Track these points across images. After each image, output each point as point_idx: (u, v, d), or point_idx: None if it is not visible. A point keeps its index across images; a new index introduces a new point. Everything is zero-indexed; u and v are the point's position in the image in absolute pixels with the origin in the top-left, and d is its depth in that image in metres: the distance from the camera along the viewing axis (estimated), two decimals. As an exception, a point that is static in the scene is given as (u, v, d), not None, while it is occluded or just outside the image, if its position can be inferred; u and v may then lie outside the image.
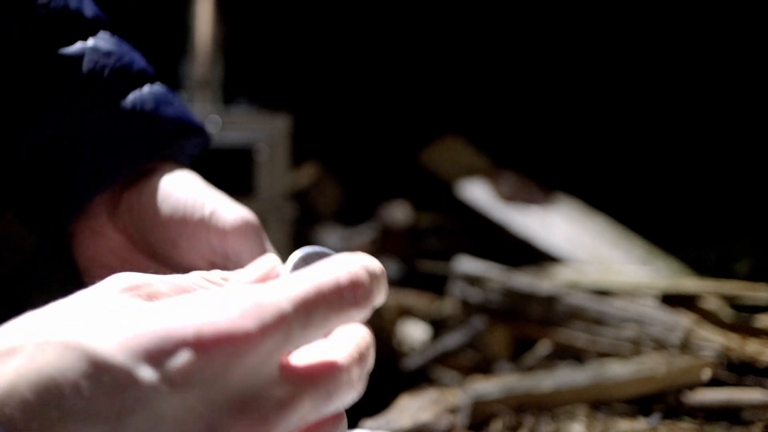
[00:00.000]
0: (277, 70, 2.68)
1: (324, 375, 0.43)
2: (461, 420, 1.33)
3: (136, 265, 0.71)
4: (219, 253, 0.68)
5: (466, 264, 1.68)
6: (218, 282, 0.50)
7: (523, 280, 1.63)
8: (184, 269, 0.68)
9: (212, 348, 0.38)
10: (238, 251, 0.67)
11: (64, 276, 0.74)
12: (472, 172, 2.29)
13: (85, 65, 0.70)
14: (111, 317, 0.40)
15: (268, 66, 2.65)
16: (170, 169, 0.71)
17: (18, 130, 0.69)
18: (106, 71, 0.70)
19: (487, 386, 1.39)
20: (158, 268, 0.71)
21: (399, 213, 2.18)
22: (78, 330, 0.39)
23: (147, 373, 0.37)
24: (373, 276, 0.46)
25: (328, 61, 2.69)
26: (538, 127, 2.60)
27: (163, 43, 0.73)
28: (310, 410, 0.42)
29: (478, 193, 2.23)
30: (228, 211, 0.67)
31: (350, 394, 0.44)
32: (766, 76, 2.40)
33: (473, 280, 1.64)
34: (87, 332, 0.39)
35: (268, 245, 0.68)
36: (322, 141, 2.51)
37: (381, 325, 1.59)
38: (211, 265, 0.68)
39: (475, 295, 1.63)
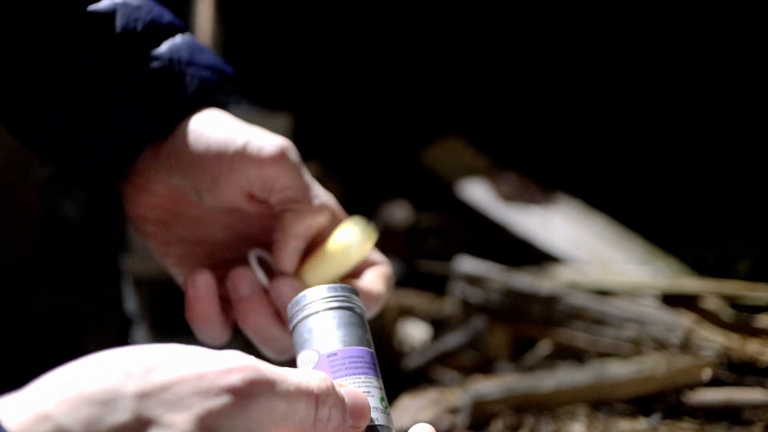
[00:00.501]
0: (278, 70, 2.68)
1: None
2: (462, 420, 1.33)
3: (184, 218, 0.72)
4: (256, 184, 0.69)
5: (467, 264, 1.68)
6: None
7: (524, 280, 1.63)
8: (226, 207, 0.71)
9: None
10: (275, 178, 0.68)
11: (71, 270, 0.74)
12: (472, 172, 2.29)
13: (119, 20, 0.70)
14: None
15: (269, 66, 2.65)
16: (199, 113, 0.71)
17: (56, 92, 0.69)
18: (139, 25, 0.70)
19: (487, 386, 1.39)
20: (201, 221, 0.72)
21: (399, 213, 2.18)
22: None
23: None
24: None
25: (329, 62, 2.69)
26: (538, 127, 2.60)
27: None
28: None
29: (478, 193, 2.22)
30: (263, 140, 0.69)
31: None
32: (766, 75, 2.40)
33: (473, 280, 1.64)
34: None
35: (304, 171, 0.70)
36: (323, 141, 2.51)
37: (381, 325, 1.59)
38: (249, 197, 0.70)
39: (475, 295, 1.63)
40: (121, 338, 1.05)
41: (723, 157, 2.41)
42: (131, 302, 1.53)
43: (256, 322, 0.70)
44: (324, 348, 0.58)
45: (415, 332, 1.77)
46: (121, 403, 0.43)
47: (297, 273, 0.71)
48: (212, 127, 0.70)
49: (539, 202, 2.16)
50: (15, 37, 0.67)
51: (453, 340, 1.64)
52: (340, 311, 0.60)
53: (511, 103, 2.63)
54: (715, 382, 1.37)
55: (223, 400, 0.45)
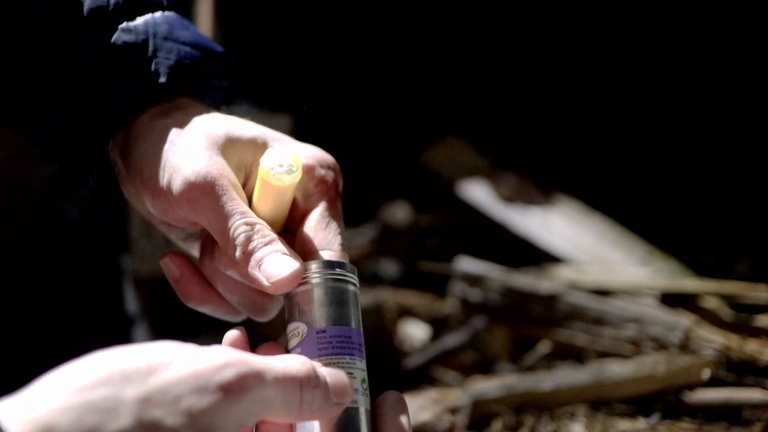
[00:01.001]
0: (277, 71, 2.68)
1: None
2: (461, 419, 1.33)
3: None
4: (175, 218, 0.66)
5: (467, 264, 1.68)
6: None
7: (524, 279, 1.63)
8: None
9: None
10: (189, 216, 0.65)
11: (71, 270, 0.74)
12: (472, 172, 2.29)
13: (87, 3, 0.67)
14: None
15: (269, 66, 2.65)
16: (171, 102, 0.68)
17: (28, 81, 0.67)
18: (111, 3, 0.68)
19: (487, 386, 1.40)
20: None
21: (399, 213, 2.18)
22: None
23: None
24: None
25: (328, 62, 2.69)
26: (538, 127, 2.60)
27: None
28: None
29: (478, 193, 2.23)
30: (179, 175, 0.64)
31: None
32: (766, 75, 2.40)
33: (473, 280, 1.64)
34: None
35: (226, 199, 0.64)
36: (322, 141, 2.50)
37: (381, 325, 1.59)
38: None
39: (475, 294, 1.63)
40: (121, 338, 1.05)
41: (723, 156, 2.41)
42: (131, 302, 1.53)
43: (200, 299, 0.69)
44: (314, 323, 0.59)
45: (415, 332, 1.77)
46: (123, 408, 0.44)
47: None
48: (147, 144, 0.67)
49: (539, 203, 2.16)
50: (14, 34, 0.66)
51: (453, 340, 1.64)
52: (336, 288, 0.61)
53: (511, 103, 2.63)
54: (715, 382, 1.37)
55: (218, 396, 0.47)
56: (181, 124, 0.66)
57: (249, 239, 0.62)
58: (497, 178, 2.24)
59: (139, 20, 0.68)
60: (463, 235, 2.16)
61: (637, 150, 2.50)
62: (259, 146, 0.68)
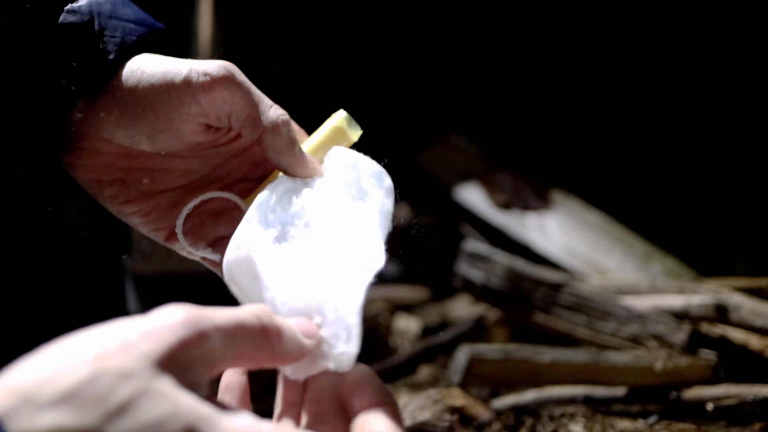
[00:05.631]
0: (277, 71, 2.68)
1: None
2: (455, 378, 1.33)
3: (141, 172, 0.70)
4: (209, 110, 0.67)
5: (473, 245, 1.69)
6: (272, 336, 0.51)
7: (529, 266, 1.63)
8: (182, 148, 0.69)
9: None
10: (226, 98, 0.67)
11: (62, 274, 0.74)
12: (469, 174, 2.29)
13: None
14: None
15: (268, 67, 2.66)
16: (131, 60, 0.69)
17: None
18: None
19: (486, 347, 1.41)
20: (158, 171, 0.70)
21: (398, 213, 2.18)
22: None
23: None
24: None
25: (328, 62, 2.70)
26: (537, 126, 2.60)
27: (163, 44, 0.71)
28: None
29: (475, 197, 2.23)
30: (205, 65, 0.67)
31: None
32: (767, 75, 2.40)
33: (478, 260, 1.64)
34: None
35: (252, 87, 0.68)
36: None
37: (377, 323, 1.60)
38: (206, 128, 0.68)
39: (479, 276, 1.63)
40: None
41: (723, 156, 2.41)
42: (132, 302, 1.54)
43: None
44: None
45: (409, 327, 1.78)
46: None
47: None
48: (150, 66, 0.68)
49: (535, 207, 2.17)
50: None
51: (448, 334, 1.65)
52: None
53: (511, 103, 2.63)
54: (715, 381, 1.37)
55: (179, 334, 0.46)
56: (158, 57, 0.69)
57: (287, 120, 0.68)
58: (493, 184, 2.24)
59: (83, 1, 0.69)
60: (460, 238, 2.17)
61: (637, 150, 2.50)
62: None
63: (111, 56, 0.68)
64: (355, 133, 0.74)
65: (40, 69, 0.67)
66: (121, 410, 0.42)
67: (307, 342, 0.54)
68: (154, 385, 0.44)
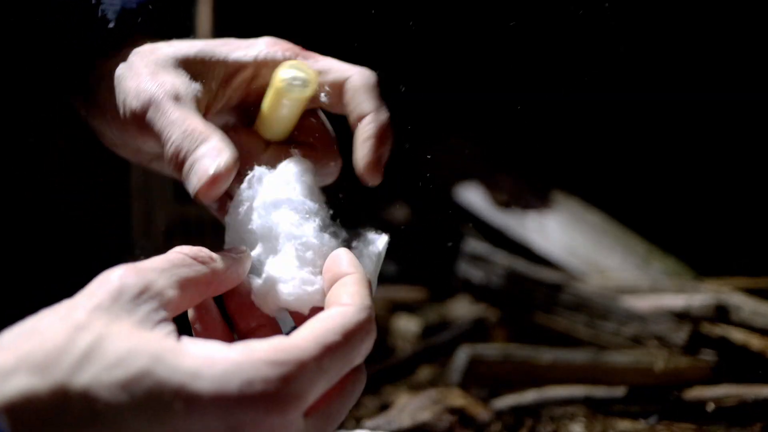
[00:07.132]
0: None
1: None
2: (455, 378, 1.33)
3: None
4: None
5: (473, 245, 1.68)
6: (205, 259, 0.55)
7: (529, 266, 1.63)
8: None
9: None
10: (144, 138, 0.67)
11: (64, 268, 0.74)
12: (470, 175, 2.29)
13: None
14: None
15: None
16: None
17: None
18: None
19: (486, 347, 1.41)
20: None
21: (398, 214, 2.18)
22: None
23: None
24: None
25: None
26: (538, 126, 2.60)
27: (163, 15, 0.71)
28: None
29: (475, 197, 2.23)
30: (127, 106, 0.67)
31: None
32: (766, 75, 2.40)
33: (478, 260, 1.64)
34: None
35: (160, 116, 0.66)
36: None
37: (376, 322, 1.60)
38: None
39: (479, 276, 1.63)
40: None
41: (723, 156, 2.41)
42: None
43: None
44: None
45: (408, 327, 1.78)
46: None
47: (255, 128, 0.70)
48: (107, 85, 0.69)
49: (535, 207, 2.16)
50: None
51: (447, 334, 1.65)
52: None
53: (511, 103, 2.63)
54: (716, 381, 1.37)
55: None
56: (132, 59, 0.68)
57: (179, 147, 0.63)
58: (493, 184, 2.24)
59: None
60: (461, 237, 2.16)
61: (637, 149, 2.50)
62: (207, 58, 0.69)
63: (111, 24, 0.69)
64: (303, 91, 0.70)
65: (47, 41, 0.69)
66: (83, 359, 0.45)
67: (236, 255, 0.57)
68: (110, 328, 0.46)
